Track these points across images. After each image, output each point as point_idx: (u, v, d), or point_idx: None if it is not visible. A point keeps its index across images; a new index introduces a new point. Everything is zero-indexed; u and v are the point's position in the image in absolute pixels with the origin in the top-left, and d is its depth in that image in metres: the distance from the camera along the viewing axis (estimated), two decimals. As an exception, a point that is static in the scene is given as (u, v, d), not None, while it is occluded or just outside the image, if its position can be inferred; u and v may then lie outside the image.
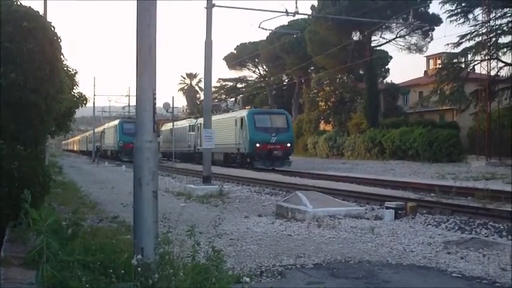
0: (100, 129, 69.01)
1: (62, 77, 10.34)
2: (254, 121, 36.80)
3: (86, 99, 19.03)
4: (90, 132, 71.10)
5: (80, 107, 18.81)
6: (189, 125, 52.98)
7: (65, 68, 13.86)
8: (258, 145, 35.46)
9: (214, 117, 43.21)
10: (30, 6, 8.64)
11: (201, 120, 44.33)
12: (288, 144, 36.45)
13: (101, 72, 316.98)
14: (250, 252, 8.45)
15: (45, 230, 5.30)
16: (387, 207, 12.86)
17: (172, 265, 5.58)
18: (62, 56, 9.52)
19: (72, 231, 6.19)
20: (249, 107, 44.59)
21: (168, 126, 61.02)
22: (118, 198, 16.59)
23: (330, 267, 7.44)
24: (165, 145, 59.40)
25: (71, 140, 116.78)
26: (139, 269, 5.26)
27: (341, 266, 7.53)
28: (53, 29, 8.81)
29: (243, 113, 39.06)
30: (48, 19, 9.76)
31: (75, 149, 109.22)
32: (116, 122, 59.79)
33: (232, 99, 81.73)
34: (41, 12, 9.54)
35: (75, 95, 17.66)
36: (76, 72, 16.83)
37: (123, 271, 5.38)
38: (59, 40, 8.95)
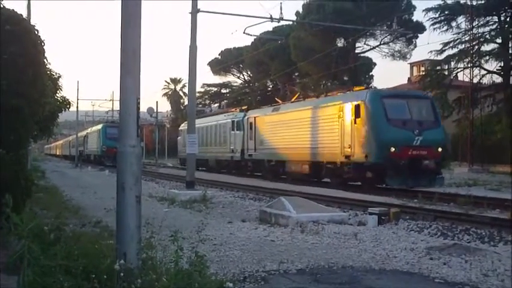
0: (83, 133, 68.62)
1: (45, 81, 10.29)
2: (385, 109, 22.54)
3: (69, 103, 18.98)
4: (73, 137, 70.69)
5: (63, 111, 18.75)
6: (232, 121, 38.21)
7: (48, 72, 13.79)
8: (392, 150, 21.53)
9: (288, 105, 31.42)
10: (13, 9, 8.59)
11: (254, 113, 35.15)
12: (440, 149, 22.61)
13: (84, 77, 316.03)
14: (233, 257, 8.43)
15: (26, 234, 5.26)
16: (370, 213, 12.90)
17: (155, 270, 5.56)
18: (45, 60, 9.49)
19: (55, 236, 6.14)
20: (362, 87, 27.93)
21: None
22: (101, 203, 16.47)
23: (313, 273, 7.43)
24: (185, 149, 45.65)
25: (54, 144, 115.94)
26: (121, 274, 5.23)
27: (324, 272, 7.52)
28: (36, 32, 8.77)
29: (361, 95, 23.83)
30: (32, 22, 9.70)
31: (58, 153, 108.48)
32: (100, 126, 59.49)
33: (217, 104, 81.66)
34: (25, 16, 9.47)
35: (59, 99, 17.59)
36: (59, 76, 16.77)
37: (105, 276, 5.33)
38: (43, 43, 8.91)
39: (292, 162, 28.95)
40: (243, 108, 40.86)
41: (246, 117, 35.82)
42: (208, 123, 43.07)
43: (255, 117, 33.96)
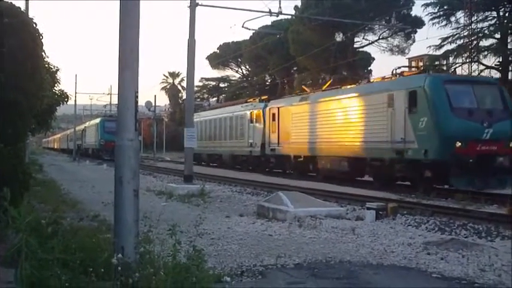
0: (81, 127, 68.53)
1: (43, 74, 10.27)
2: (448, 96, 19.03)
3: (67, 96, 18.96)
4: (71, 130, 70.59)
5: (61, 105, 18.73)
6: (250, 112, 34.46)
7: (47, 65, 13.77)
8: (458, 145, 18.18)
9: (321, 94, 27.34)
10: (11, 3, 8.57)
11: (278, 103, 31.25)
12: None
13: (82, 70, 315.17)
14: (231, 251, 8.44)
15: (24, 228, 5.26)
16: (368, 208, 12.90)
17: (153, 264, 5.56)
18: (43, 53, 9.46)
19: (52, 230, 6.14)
20: (414, 71, 23.98)
21: (203, 116, 42.00)
22: (99, 196, 16.47)
23: (311, 267, 7.44)
24: (200, 143, 38.31)
25: (52, 137, 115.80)
26: (119, 268, 5.23)
27: (322, 266, 7.53)
28: (34, 25, 8.75)
29: (417, 81, 20.25)
30: (30, 16, 9.68)
31: (55, 147, 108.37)
32: (98, 120, 59.38)
33: (215, 98, 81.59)
34: (23, 9, 9.45)
35: (57, 92, 17.57)
36: (57, 70, 16.77)
37: (103, 270, 5.34)
38: (41, 37, 8.88)
39: (326, 158, 25.33)
40: (263, 98, 36.65)
41: (268, 108, 31.81)
42: (222, 114, 39.34)
43: (278, 108, 30.25)
